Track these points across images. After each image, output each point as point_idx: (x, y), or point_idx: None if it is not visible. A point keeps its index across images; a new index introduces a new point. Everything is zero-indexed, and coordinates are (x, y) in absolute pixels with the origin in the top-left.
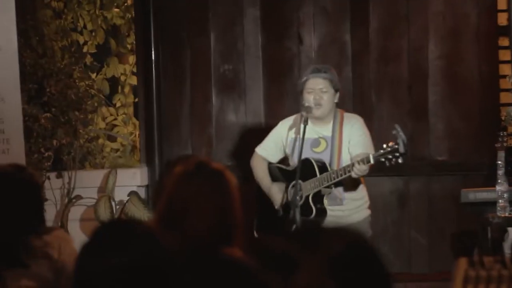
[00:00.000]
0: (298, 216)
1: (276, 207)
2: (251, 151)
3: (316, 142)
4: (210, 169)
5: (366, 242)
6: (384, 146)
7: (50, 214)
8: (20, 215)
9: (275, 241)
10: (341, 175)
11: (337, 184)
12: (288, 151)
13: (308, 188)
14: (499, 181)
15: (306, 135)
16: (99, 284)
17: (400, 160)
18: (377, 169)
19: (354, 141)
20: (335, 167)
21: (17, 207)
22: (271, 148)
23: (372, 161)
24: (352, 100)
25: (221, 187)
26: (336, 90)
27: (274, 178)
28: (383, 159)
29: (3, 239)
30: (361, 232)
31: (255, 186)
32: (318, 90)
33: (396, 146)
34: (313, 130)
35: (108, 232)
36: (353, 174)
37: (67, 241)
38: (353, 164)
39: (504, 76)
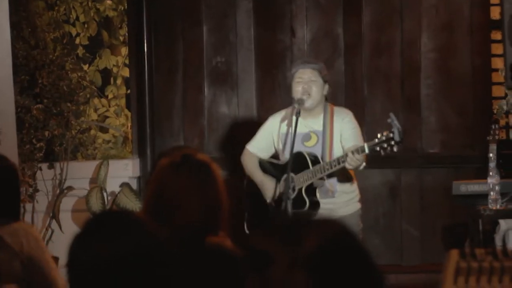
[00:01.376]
0: (289, 209)
1: (268, 200)
2: (243, 143)
3: (307, 136)
4: (196, 161)
5: (347, 235)
6: (379, 135)
7: (41, 204)
8: None
9: (255, 236)
10: (335, 166)
11: (329, 176)
12: (278, 145)
13: (301, 180)
14: (490, 173)
15: (298, 130)
16: (91, 275)
17: (395, 149)
18: (369, 161)
19: (346, 135)
20: (327, 160)
21: None
22: (262, 144)
23: (367, 151)
24: (344, 93)
25: (206, 178)
26: (324, 82)
27: (265, 173)
28: (378, 148)
29: None
30: (344, 225)
31: (245, 182)
32: (307, 79)
33: (391, 135)
34: (303, 125)
35: (99, 222)
36: (347, 165)
37: (31, 233)
38: (346, 154)
39: (497, 70)
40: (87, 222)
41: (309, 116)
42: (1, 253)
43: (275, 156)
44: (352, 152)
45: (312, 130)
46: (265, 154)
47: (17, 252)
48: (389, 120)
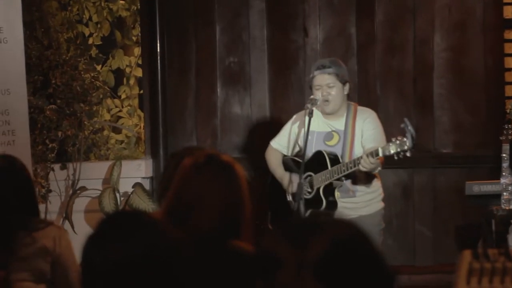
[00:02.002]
0: (302, 209)
1: (288, 195)
2: (256, 143)
3: (329, 136)
4: (220, 162)
5: (358, 238)
6: (392, 139)
7: (54, 205)
8: (13, 209)
9: (265, 239)
10: (351, 168)
11: (348, 177)
12: (301, 143)
13: (320, 180)
14: (503, 173)
15: (320, 129)
16: (104, 276)
17: (408, 154)
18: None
19: (366, 135)
20: (347, 160)
21: (9, 200)
22: (284, 141)
23: (380, 154)
24: (357, 92)
25: (231, 180)
26: (344, 83)
27: (289, 170)
28: (391, 152)
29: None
30: (356, 227)
31: (269, 179)
32: (325, 86)
33: (405, 140)
34: (326, 124)
35: (112, 223)
36: (361, 167)
37: (63, 233)
38: (361, 157)
39: (510, 69)
40: (100, 222)
41: (332, 116)
42: (33, 255)
43: (300, 153)
44: (367, 155)
45: (334, 130)
46: (289, 151)
47: (49, 252)
48: (402, 125)
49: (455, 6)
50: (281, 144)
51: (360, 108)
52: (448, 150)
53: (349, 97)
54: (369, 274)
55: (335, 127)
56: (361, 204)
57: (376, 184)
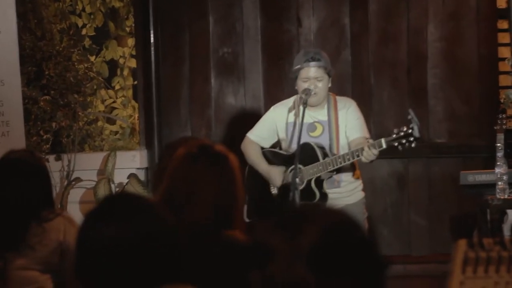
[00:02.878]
0: (297, 200)
1: (275, 188)
2: None
3: (312, 127)
4: (213, 152)
5: (349, 225)
6: (395, 130)
7: None
8: (30, 199)
9: (257, 228)
10: (349, 159)
11: (339, 169)
12: (283, 135)
13: (311, 172)
14: (498, 163)
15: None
16: (99, 255)
17: (413, 145)
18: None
19: (351, 125)
20: (335, 151)
21: (28, 191)
22: (264, 133)
23: (384, 146)
24: (351, 82)
25: (224, 171)
26: (329, 76)
27: (269, 163)
28: (396, 144)
29: (11, 222)
30: (346, 215)
31: (246, 170)
32: (313, 79)
33: (410, 131)
34: (308, 115)
35: (109, 204)
36: (363, 159)
37: (72, 223)
38: (362, 149)
39: (504, 59)
40: (97, 204)
41: (313, 107)
42: (42, 245)
43: (275, 145)
44: (369, 147)
45: (317, 120)
46: (267, 143)
47: (57, 243)
48: (409, 117)
49: None
50: (260, 135)
51: (339, 98)
52: (443, 140)
53: (329, 88)
54: (361, 261)
55: (318, 117)
56: (345, 193)
57: (357, 173)
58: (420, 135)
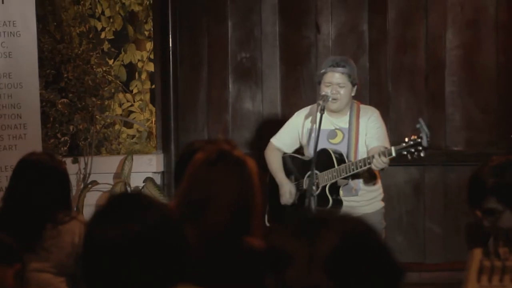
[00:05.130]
0: (313, 206)
1: (282, 203)
2: (267, 139)
3: (332, 133)
4: (232, 158)
5: (367, 233)
6: (406, 139)
7: None
8: (50, 201)
9: (275, 234)
10: (361, 167)
11: (354, 176)
12: (303, 141)
13: (326, 178)
14: None
15: (323, 126)
16: (104, 253)
17: (422, 154)
18: (394, 158)
19: (370, 134)
20: (352, 159)
21: (46, 194)
22: (286, 139)
23: (394, 154)
24: (368, 89)
25: (242, 176)
26: (354, 85)
27: (288, 168)
28: (405, 152)
29: (29, 223)
30: (364, 223)
31: (268, 175)
32: (335, 85)
33: (419, 140)
34: (329, 122)
35: (116, 203)
36: (373, 166)
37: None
38: (373, 156)
39: None
40: (107, 201)
41: (336, 114)
42: (56, 247)
43: (299, 150)
44: (379, 155)
45: (338, 128)
46: (290, 149)
47: (72, 246)
48: (418, 126)
49: (467, 3)
50: (283, 142)
51: (362, 106)
52: (459, 147)
53: (354, 97)
54: (378, 268)
55: (339, 125)
56: (362, 202)
57: (377, 183)
58: (428, 145)
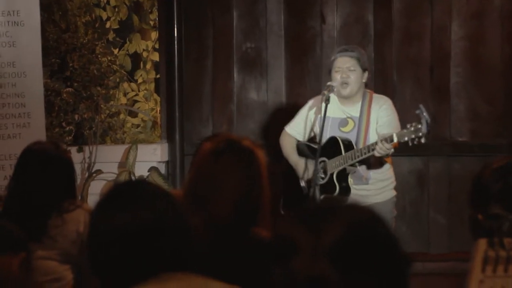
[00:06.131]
0: (317, 194)
1: (301, 180)
2: (272, 129)
3: (344, 122)
4: (240, 147)
5: (374, 222)
6: (408, 126)
7: None
8: (55, 190)
9: (281, 224)
10: (365, 153)
11: (362, 163)
12: (316, 129)
13: (333, 166)
14: None
15: (334, 115)
16: (112, 239)
17: (422, 140)
18: (398, 149)
19: (381, 122)
20: (361, 147)
21: (51, 182)
22: (299, 127)
23: (395, 140)
24: (374, 80)
25: (250, 166)
26: (364, 70)
27: (303, 156)
28: (406, 138)
29: (34, 212)
30: (372, 212)
31: (283, 163)
32: (345, 68)
33: (420, 126)
34: (341, 110)
35: (120, 191)
36: (376, 153)
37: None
38: (376, 143)
39: None
40: (111, 189)
41: (348, 102)
42: (61, 236)
43: (314, 139)
44: (381, 141)
45: (350, 116)
46: (303, 137)
47: (77, 234)
48: (417, 112)
49: None
50: (296, 130)
51: (375, 95)
52: (464, 138)
53: (366, 85)
54: (385, 259)
55: (350, 113)
56: (373, 191)
57: (389, 172)
58: (428, 131)
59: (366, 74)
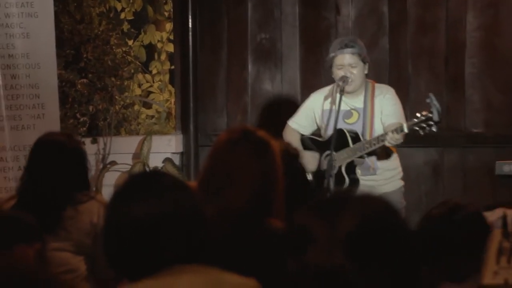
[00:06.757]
0: (332, 186)
1: (310, 175)
2: (287, 120)
3: (348, 114)
4: (256, 137)
5: (388, 212)
6: (418, 115)
7: None
8: (69, 182)
9: (295, 214)
10: (375, 145)
11: (370, 154)
12: (320, 122)
13: (341, 158)
14: None
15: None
16: (128, 229)
17: (434, 129)
18: (412, 139)
19: (386, 111)
20: (367, 138)
21: (64, 174)
22: (303, 120)
23: (406, 130)
24: (388, 71)
25: (265, 156)
26: (365, 63)
27: (307, 149)
28: (417, 128)
29: (49, 203)
30: (385, 201)
31: None
32: (347, 66)
33: (430, 115)
34: (344, 102)
35: (142, 180)
36: (387, 143)
37: (104, 207)
38: (386, 133)
39: None
40: (127, 180)
41: (351, 94)
42: (75, 227)
43: (317, 132)
44: (392, 131)
45: (353, 107)
46: (307, 131)
47: (91, 226)
48: (428, 100)
49: None
50: (300, 123)
51: (377, 85)
52: (479, 129)
53: (367, 75)
54: (399, 249)
55: (354, 105)
56: (381, 181)
57: (395, 162)
58: (439, 119)
59: (367, 66)
